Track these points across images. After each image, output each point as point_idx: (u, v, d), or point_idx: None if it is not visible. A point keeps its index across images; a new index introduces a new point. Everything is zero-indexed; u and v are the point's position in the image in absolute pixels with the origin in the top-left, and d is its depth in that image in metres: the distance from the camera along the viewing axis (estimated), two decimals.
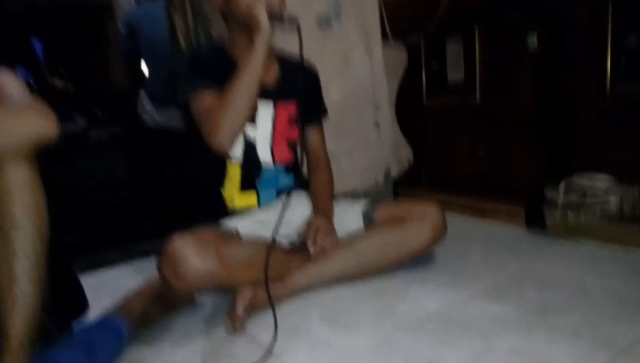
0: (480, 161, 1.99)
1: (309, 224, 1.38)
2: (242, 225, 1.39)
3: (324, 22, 1.98)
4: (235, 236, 1.35)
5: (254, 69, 1.23)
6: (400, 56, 2.20)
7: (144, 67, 2.89)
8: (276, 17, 1.24)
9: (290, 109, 1.47)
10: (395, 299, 1.28)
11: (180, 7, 1.63)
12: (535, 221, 1.71)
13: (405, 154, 2.34)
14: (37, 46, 2.96)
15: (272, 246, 1.22)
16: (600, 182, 1.59)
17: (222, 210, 1.44)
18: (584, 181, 1.61)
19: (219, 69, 1.34)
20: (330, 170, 1.61)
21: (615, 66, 1.56)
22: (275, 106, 1.44)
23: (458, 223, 1.84)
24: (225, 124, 1.22)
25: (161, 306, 1.25)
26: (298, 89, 1.46)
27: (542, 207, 1.68)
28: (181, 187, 2.82)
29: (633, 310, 1.12)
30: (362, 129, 2.16)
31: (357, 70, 2.09)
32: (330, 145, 1.64)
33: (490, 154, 1.94)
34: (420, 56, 2.06)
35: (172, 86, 1.38)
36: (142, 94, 2.86)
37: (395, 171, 2.33)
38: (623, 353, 0.94)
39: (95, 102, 2.92)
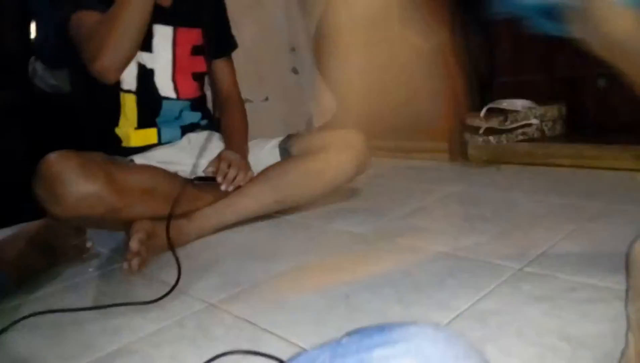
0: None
1: (219, 157, 1.23)
2: (138, 160, 1.23)
3: None
4: (128, 163, 1.19)
5: None
6: None
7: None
8: None
9: (193, 36, 1.31)
10: (319, 231, 1.17)
11: None
12: (458, 152, 1.67)
13: (329, 103, 2.24)
14: None
15: (186, 180, 1.08)
16: (519, 105, 1.56)
17: (113, 148, 1.25)
18: (503, 105, 1.58)
19: None
20: (243, 108, 1.48)
21: None
22: (175, 32, 1.28)
23: (382, 163, 1.76)
24: (111, 44, 1.05)
25: (43, 253, 1.06)
26: (202, 13, 1.31)
27: (464, 137, 1.64)
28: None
29: (557, 213, 1.08)
30: (278, 75, 2.04)
31: (269, 8, 1.95)
32: (245, 92, 1.50)
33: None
34: None
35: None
36: (33, 60, 2.57)
37: (318, 122, 2.22)
38: (550, 249, 0.89)
39: None
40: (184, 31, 1.29)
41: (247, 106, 1.49)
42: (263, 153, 1.38)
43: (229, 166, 1.20)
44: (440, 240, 0.99)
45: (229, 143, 1.34)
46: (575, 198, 1.16)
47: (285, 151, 1.38)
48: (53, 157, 0.96)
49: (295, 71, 2.10)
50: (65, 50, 1.20)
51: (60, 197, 0.94)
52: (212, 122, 1.41)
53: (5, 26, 2.91)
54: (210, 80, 1.42)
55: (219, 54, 1.41)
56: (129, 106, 1.26)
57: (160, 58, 1.27)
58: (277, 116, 2.02)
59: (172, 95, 1.29)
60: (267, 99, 1.98)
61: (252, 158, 1.33)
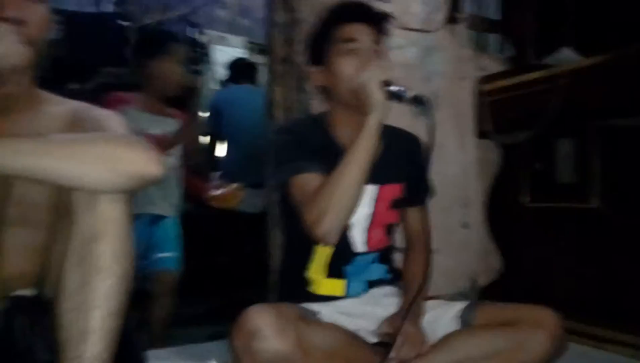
0: (589, 275, 1.72)
1: (398, 331, 1.15)
2: (324, 311, 1.20)
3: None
4: (316, 319, 1.15)
5: (365, 151, 1.08)
6: (492, 153, 2.06)
7: (219, 149, 2.92)
8: (394, 94, 1.09)
9: (395, 191, 1.31)
10: None
11: (283, 79, 1.59)
12: None
13: (495, 262, 2.10)
14: None
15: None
16: None
17: (303, 294, 1.25)
18: None
19: (318, 147, 1.21)
20: (428, 257, 1.38)
21: None
22: (379, 190, 1.27)
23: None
24: (332, 212, 1.06)
25: None
26: (407, 167, 1.31)
27: None
28: (240, 271, 2.68)
29: None
30: (449, 229, 1.98)
31: (449, 163, 1.95)
32: None
33: (605, 269, 1.68)
34: (520, 154, 1.90)
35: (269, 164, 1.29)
36: (216, 176, 2.86)
37: (482, 281, 2.08)
38: None
39: None
40: (387, 187, 1.28)
41: None
42: (442, 322, 1.26)
43: (404, 339, 1.12)
44: None
45: (405, 295, 1.27)
46: None
47: (465, 322, 1.26)
48: (253, 311, 0.97)
49: (465, 226, 2.02)
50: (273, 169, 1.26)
51: (255, 352, 0.93)
52: (397, 275, 1.36)
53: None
54: (403, 229, 1.39)
55: (415, 203, 1.37)
56: (322, 256, 1.26)
57: (360, 213, 1.24)
58: (442, 269, 1.91)
59: (363, 248, 1.28)
60: (436, 251, 1.91)
61: (427, 323, 1.23)
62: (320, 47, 1.20)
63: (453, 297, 1.96)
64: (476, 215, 2.06)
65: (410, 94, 1.08)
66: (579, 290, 1.77)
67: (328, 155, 1.13)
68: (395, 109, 1.12)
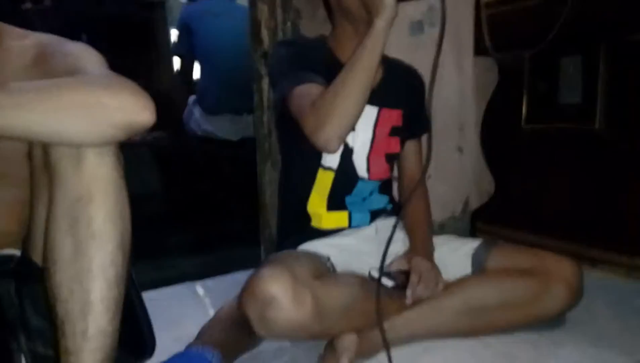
0: (587, 198, 1.71)
1: (411, 267, 1.12)
2: (333, 253, 1.16)
3: (417, 29, 1.76)
4: (329, 273, 1.11)
5: (371, 57, 1.00)
6: (491, 73, 1.96)
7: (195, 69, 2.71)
8: None
9: (394, 117, 1.26)
10: None
11: None
12: None
13: (487, 184, 2.07)
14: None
15: (378, 300, 1.00)
16: None
17: (306, 231, 1.22)
18: None
19: (320, 66, 1.14)
20: (427, 195, 1.39)
21: None
22: (379, 112, 1.23)
23: None
24: (335, 117, 0.99)
25: (248, 334, 1.00)
26: (407, 95, 1.28)
27: None
28: (223, 202, 2.60)
29: None
30: (444, 153, 1.92)
31: (445, 86, 1.85)
32: None
33: (603, 192, 1.67)
34: (521, 73, 1.81)
35: (275, 79, 1.22)
36: (191, 100, 2.67)
37: (474, 203, 2.06)
38: None
39: None
40: (386, 111, 1.24)
41: None
42: (453, 260, 1.24)
43: (419, 277, 1.09)
44: None
45: (414, 237, 1.25)
46: None
47: (478, 264, 1.23)
48: (267, 277, 0.90)
49: (460, 149, 1.97)
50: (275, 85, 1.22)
51: (270, 321, 0.90)
52: (396, 207, 1.34)
53: (166, 66, 3.10)
54: (398, 161, 1.37)
55: (413, 135, 1.35)
56: (324, 183, 1.22)
57: (361, 137, 1.22)
58: (436, 194, 1.87)
59: (365, 175, 1.24)
60: (429, 176, 1.86)
61: (439, 260, 1.21)
62: None
63: (445, 224, 1.96)
64: (472, 139, 2.00)
65: None
66: (572, 213, 1.77)
67: (330, 74, 1.05)
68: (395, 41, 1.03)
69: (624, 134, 1.58)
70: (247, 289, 0.91)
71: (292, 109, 1.08)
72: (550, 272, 1.12)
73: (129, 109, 0.65)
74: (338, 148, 1.03)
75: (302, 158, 1.18)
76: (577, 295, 1.12)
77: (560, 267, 1.12)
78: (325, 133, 0.98)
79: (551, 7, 1.62)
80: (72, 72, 0.73)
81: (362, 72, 0.99)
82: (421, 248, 1.21)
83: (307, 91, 1.05)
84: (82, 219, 0.65)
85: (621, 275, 1.57)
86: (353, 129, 1.12)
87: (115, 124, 0.65)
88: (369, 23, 1.00)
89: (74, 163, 0.65)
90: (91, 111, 0.63)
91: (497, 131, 1.96)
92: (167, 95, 2.88)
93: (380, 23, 0.98)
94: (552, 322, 1.15)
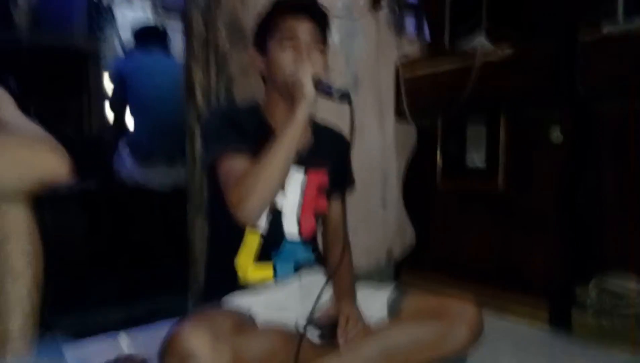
0: (493, 249, 1.90)
1: (338, 312, 1.20)
2: (256, 307, 1.21)
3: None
4: (250, 324, 1.16)
5: (292, 138, 1.10)
6: (410, 134, 2.15)
7: (128, 120, 2.73)
8: (323, 89, 1.12)
9: (321, 177, 1.34)
10: None
11: (202, 61, 1.50)
12: (561, 321, 1.59)
13: (409, 234, 2.22)
14: (12, 87, 2.74)
15: (300, 343, 1.05)
16: (633, 283, 1.50)
17: (232, 283, 1.25)
18: (615, 281, 1.53)
19: (252, 130, 1.22)
20: (349, 247, 1.46)
21: None
22: (306, 173, 1.31)
23: None
24: (255, 195, 1.07)
25: None
26: (330, 156, 1.36)
27: (568, 307, 1.57)
28: (152, 251, 2.58)
29: None
30: (369, 204, 2.05)
31: (369, 143, 2.01)
32: None
33: (507, 244, 1.85)
34: (435, 136, 2.00)
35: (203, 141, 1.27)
36: (122, 147, 2.67)
37: (397, 252, 2.20)
38: None
39: (68, 153, 2.68)
40: (313, 172, 1.32)
41: None
42: (372, 306, 1.33)
43: (347, 320, 1.17)
44: None
45: (338, 284, 1.32)
46: None
47: (393, 309, 1.33)
48: (186, 333, 0.93)
49: (383, 203, 2.11)
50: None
51: None
52: (319, 256, 1.40)
53: (97, 113, 3.08)
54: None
55: (338, 191, 1.42)
56: (252, 244, 1.26)
57: (290, 199, 1.28)
58: (361, 244, 2.00)
59: (295, 234, 1.30)
60: (354, 228, 1.98)
61: (358, 304, 1.30)
62: (263, 36, 1.22)
63: (371, 273, 2.07)
64: (394, 193, 2.15)
65: (337, 92, 1.12)
66: (483, 262, 1.94)
67: (260, 138, 1.14)
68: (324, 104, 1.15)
69: (523, 194, 1.79)
70: (166, 344, 0.93)
71: (219, 178, 1.15)
72: (454, 314, 1.23)
73: (49, 167, 0.72)
74: (256, 222, 1.13)
75: (230, 219, 1.21)
76: (477, 334, 1.23)
77: (463, 310, 1.24)
78: (244, 210, 1.06)
79: (458, 79, 1.84)
80: None
81: (282, 155, 1.09)
82: (346, 293, 1.29)
83: (233, 165, 1.13)
84: (1, 260, 0.71)
85: (525, 320, 1.73)
86: (282, 188, 1.21)
87: (33, 180, 0.71)
88: (292, 99, 1.10)
89: None
90: (14, 168, 0.70)
91: (416, 187, 2.13)
92: (98, 142, 2.87)
93: (300, 112, 1.09)
94: (456, 360, 1.26)
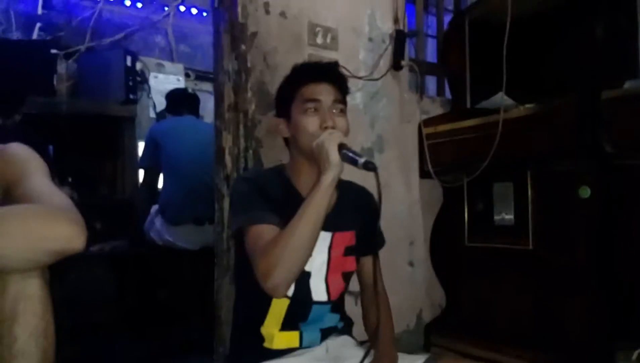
0: (526, 310, 1.82)
1: None
2: None
3: (367, 154, 1.94)
4: None
5: (319, 206, 1.10)
6: (436, 192, 2.14)
7: (159, 181, 2.80)
8: (348, 158, 1.12)
9: (347, 239, 1.32)
10: None
11: (232, 125, 1.56)
12: None
13: (439, 297, 2.16)
14: (49, 155, 2.89)
15: None
16: None
17: (257, 350, 1.23)
18: None
19: (279, 196, 1.22)
20: (388, 306, 1.41)
21: None
22: (332, 236, 1.29)
23: None
24: (283, 266, 1.06)
25: None
26: (356, 215, 1.34)
27: None
28: (181, 312, 2.57)
29: None
30: (396, 267, 2.02)
31: (395, 202, 2.00)
32: None
33: (540, 304, 1.78)
34: (462, 194, 1.99)
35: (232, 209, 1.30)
36: (153, 210, 2.73)
37: (427, 316, 2.13)
38: None
39: (99, 215, 2.76)
40: (340, 234, 1.30)
41: None
42: None
43: None
44: None
45: (379, 346, 1.27)
46: None
47: None
48: None
49: (411, 264, 2.08)
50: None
51: None
52: (348, 323, 1.38)
53: (131, 177, 3.19)
54: (357, 276, 1.40)
55: (369, 252, 1.37)
56: (279, 309, 1.24)
57: (317, 260, 1.26)
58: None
59: (324, 297, 1.27)
60: None
61: None
62: (287, 102, 1.24)
63: (399, 335, 2.00)
64: (422, 253, 2.11)
65: (362, 160, 1.11)
66: (515, 324, 1.86)
67: (288, 204, 1.14)
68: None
69: (554, 251, 1.73)
70: None
71: (247, 246, 1.15)
72: None
73: (64, 238, 0.71)
74: (284, 294, 1.10)
75: (256, 286, 1.16)
76: None
77: None
78: (273, 280, 1.05)
79: (482, 136, 1.84)
80: (18, 176, 0.80)
81: (309, 224, 1.08)
82: (388, 352, 1.25)
83: (261, 234, 1.12)
84: (6, 339, 0.68)
85: None
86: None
87: (49, 252, 0.70)
88: (318, 164, 1.11)
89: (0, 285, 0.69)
90: (28, 240, 0.69)
91: (444, 246, 2.09)
92: (130, 205, 2.95)
93: (326, 179, 1.09)
94: None
